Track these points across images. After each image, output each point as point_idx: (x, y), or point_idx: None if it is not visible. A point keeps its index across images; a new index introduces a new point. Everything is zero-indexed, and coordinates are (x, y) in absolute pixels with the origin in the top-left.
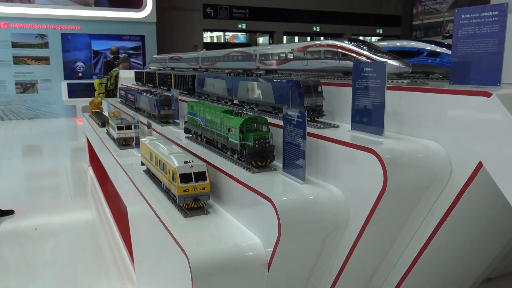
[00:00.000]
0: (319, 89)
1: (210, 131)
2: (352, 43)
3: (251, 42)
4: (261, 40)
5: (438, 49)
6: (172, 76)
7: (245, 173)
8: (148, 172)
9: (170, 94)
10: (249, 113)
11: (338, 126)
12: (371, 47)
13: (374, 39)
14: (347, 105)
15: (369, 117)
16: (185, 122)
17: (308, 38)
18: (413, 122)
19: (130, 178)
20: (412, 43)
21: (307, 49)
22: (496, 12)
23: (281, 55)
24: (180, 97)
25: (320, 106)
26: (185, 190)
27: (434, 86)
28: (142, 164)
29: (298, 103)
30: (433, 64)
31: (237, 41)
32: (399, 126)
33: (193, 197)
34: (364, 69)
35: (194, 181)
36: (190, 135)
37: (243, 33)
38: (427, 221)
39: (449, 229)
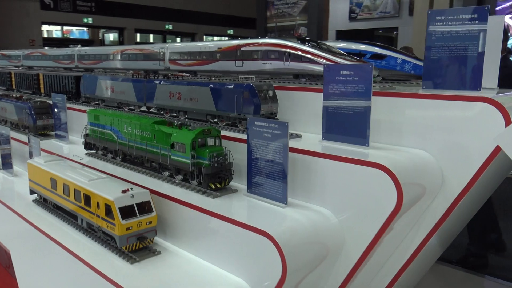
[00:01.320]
0: (273, 94)
1: (132, 147)
2: (303, 43)
3: (94, 39)
4: (112, 37)
5: (385, 52)
6: (41, 77)
7: (204, 198)
8: (42, 202)
9: (48, 100)
10: (180, 123)
11: (300, 136)
12: (325, 48)
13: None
14: (302, 111)
15: (349, 126)
16: (86, 135)
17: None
18: (394, 130)
19: (16, 212)
20: (353, 45)
21: (241, 48)
22: (476, 15)
23: (202, 54)
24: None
25: (275, 113)
26: (128, 228)
27: (408, 91)
28: (32, 192)
29: (253, 111)
30: (377, 67)
31: (72, 37)
32: (377, 135)
33: (138, 236)
34: (341, 73)
35: (138, 215)
36: (94, 151)
37: (81, 28)
38: (416, 229)
39: (438, 236)
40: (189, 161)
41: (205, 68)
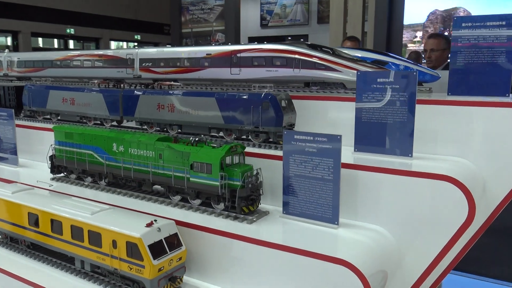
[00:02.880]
0: (291, 104)
1: (129, 169)
2: (313, 49)
3: None
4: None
5: (386, 58)
6: None
7: (238, 225)
8: (8, 242)
9: None
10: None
11: None
12: (339, 54)
13: (131, 45)
14: (316, 121)
15: (389, 136)
16: (52, 156)
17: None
18: (428, 138)
19: None
20: (352, 52)
21: (238, 54)
22: (504, 22)
23: (184, 61)
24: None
25: (293, 125)
26: (160, 269)
27: (435, 97)
28: None
29: (275, 123)
30: None
31: None
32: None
33: (169, 276)
34: (378, 80)
35: (168, 251)
36: (63, 175)
37: None
38: None
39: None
40: (217, 183)
41: (189, 76)
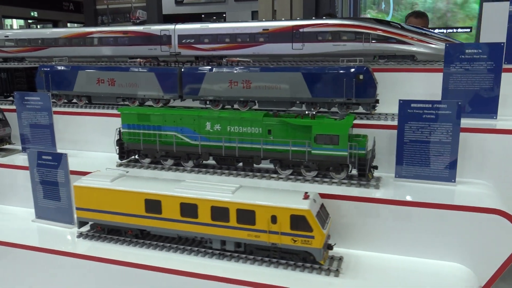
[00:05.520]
0: (374, 76)
1: (233, 148)
2: (380, 23)
3: None
4: None
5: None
6: None
7: (367, 191)
8: (107, 235)
9: None
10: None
11: None
12: (409, 29)
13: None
14: (391, 91)
15: (476, 99)
16: (119, 141)
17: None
18: None
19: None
20: None
21: (300, 30)
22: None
23: (236, 37)
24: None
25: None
26: (326, 238)
27: None
28: (82, 224)
29: (370, 94)
30: None
31: None
32: None
33: (327, 245)
34: (467, 51)
35: (326, 221)
36: (132, 160)
37: None
38: None
39: None
40: (345, 153)
41: (242, 52)
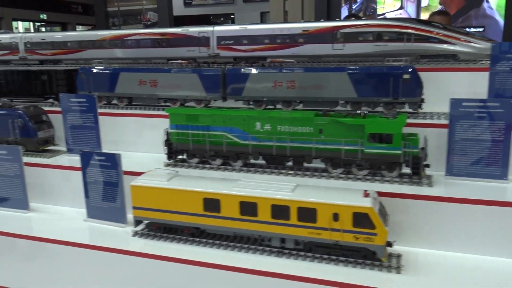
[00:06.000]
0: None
1: (284, 148)
2: (422, 23)
3: None
4: None
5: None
6: None
7: (421, 189)
8: (163, 234)
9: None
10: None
11: None
12: (451, 29)
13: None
14: (436, 91)
15: None
16: (168, 141)
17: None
18: None
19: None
20: None
21: (341, 30)
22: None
23: (275, 38)
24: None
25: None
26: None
27: None
28: (138, 222)
29: (416, 94)
30: None
31: None
32: None
33: (387, 243)
34: None
35: (386, 219)
36: (180, 160)
37: None
38: None
39: None
40: (399, 151)
41: (281, 53)
